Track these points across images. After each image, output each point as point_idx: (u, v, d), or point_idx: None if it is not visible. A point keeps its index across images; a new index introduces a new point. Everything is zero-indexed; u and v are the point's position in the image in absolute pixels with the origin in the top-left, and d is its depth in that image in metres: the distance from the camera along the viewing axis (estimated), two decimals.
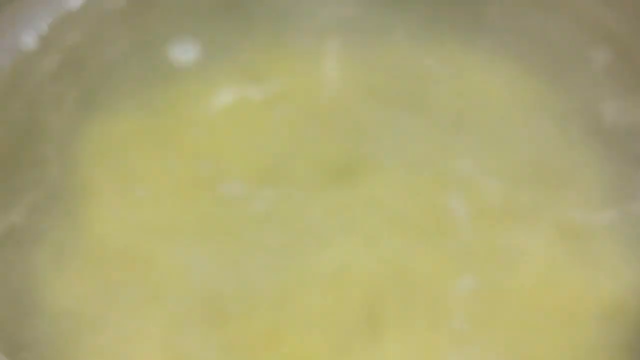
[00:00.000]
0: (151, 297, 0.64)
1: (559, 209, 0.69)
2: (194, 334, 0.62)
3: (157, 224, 0.67)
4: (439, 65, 0.76)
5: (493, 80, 0.75)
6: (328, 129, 0.73)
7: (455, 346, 0.62)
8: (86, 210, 0.68)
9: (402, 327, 0.63)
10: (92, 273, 0.64)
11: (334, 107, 0.74)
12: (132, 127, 0.73)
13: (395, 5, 0.80)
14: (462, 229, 0.68)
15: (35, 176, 0.69)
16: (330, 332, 0.62)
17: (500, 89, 0.75)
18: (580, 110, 0.74)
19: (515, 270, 0.66)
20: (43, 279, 0.64)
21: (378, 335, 0.62)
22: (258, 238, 0.67)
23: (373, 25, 0.79)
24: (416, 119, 0.73)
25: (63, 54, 0.77)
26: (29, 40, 0.77)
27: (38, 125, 0.73)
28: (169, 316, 0.63)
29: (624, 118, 0.73)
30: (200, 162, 0.71)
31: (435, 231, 0.68)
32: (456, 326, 0.63)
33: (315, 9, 0.80)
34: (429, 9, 0.79)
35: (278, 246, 0.66)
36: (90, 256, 0.65)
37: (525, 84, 0.75)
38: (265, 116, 0.74)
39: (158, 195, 0.69)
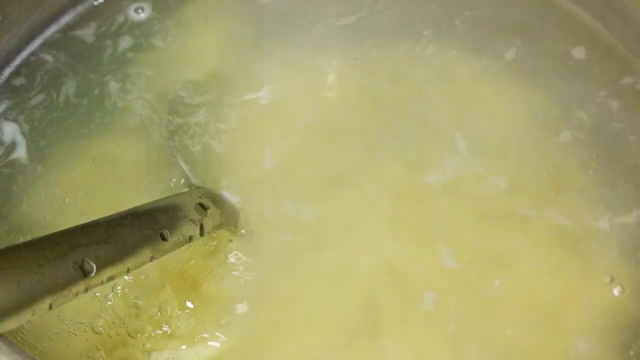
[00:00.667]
0: None
1: (554, 214, 0.69)
2: None
3: None
4: (434, 72, 0.77)
5: (486, 88, 0.76)
6: (328, 134, 0.73)
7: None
8: None
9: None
10: None
11: (334, 112, 0.75)
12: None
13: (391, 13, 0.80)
14: (457, 230, 0.68)
15: None
16: None
17: (492, 95, 0.75)
18: (570, 111, 0.74)
19: (510, 272, 0.66)
20: None
21: None
22: None
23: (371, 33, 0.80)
24: (412, 125, 0.74)
25: None
26: None
27: None
28: None
29: (608, 118, 0.74)
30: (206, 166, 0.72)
31: (430, 232, 0.68)
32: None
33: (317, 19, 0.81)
34: (421, 18, 0.80)
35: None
36: None
37: (516, 90, 0.76)
38: (268, 122, 0.74)
39: None
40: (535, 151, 0.72)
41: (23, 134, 0.72)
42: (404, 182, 0.71)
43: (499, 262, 0.67)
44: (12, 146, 0.72)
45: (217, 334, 0.63)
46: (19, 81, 0.76)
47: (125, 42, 0.78)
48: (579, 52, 0.77)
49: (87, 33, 0.79)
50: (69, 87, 0.75)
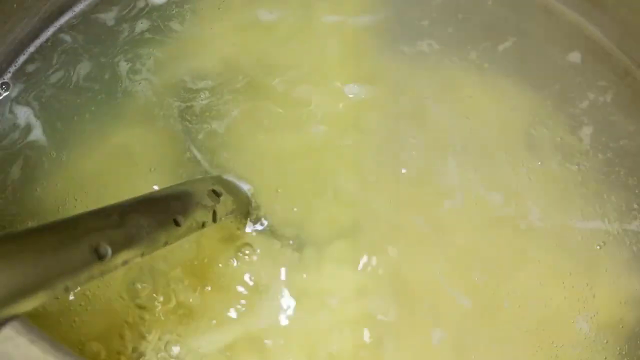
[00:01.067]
0: None
1: (556, 222, 0.69)
2: None
3: None
4: (435, 82, 0.77)
5: (488, 96, 0.76)
6: (335, 130, 0.74)
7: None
8: None
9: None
10: None
11: (341, 110, 0.75)
12: None
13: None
14: (461, 236, 0.69)
15: None
16: None
17: (491, 103, 0.76)
18: (568, 117, 0.75)
19: (512, 280, 0.67)
20: None
21: None
22: None
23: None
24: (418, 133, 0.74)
25: None
26: None
27: None
28: None
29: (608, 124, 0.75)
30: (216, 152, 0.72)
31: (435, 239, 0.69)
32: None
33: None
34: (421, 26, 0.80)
35: None
36: None
37: (518, 97, 0.76)
38: (276, 111, 0.74)
39: None
40: (535, 158, 0.72)
41: (37, 117, 0.72)
42: (408, 191, 0.71)
43: (501, 270, 0.67)
44: (27, 129, 0.72)
45: (229, 320, 0.64)
46: (35, 65, 0.75)
47: (142, 25, 0.78)
48: (575, 57, 0.78)
49: (109, 17, 0.79)
50: (82, 68, 0.75)
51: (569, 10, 0.81)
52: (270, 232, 0.68)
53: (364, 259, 0.67)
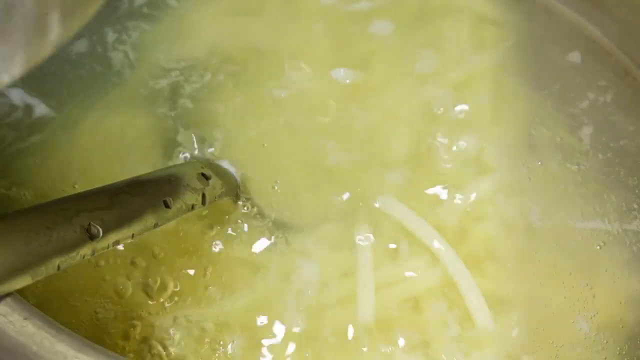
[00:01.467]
0: None
1: (555, 220, 0.69)
2: None
3: None
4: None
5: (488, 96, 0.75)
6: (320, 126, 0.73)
7: None
8: None
9: None
10: None
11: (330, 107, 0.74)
12: None
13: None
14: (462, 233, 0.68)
15: None
16: None
17: (495, 103, 0.75)
18: (568, 117, 0.74)
19: (514, 277, 0.66)
20: None
21: None
22: None
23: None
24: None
25: None
26: None
27: None
28: None
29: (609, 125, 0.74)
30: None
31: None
32: None
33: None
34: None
35: None
36: None
37: (518, 97, 0.76)
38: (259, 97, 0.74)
39: None
40: (535, 158, 0.72)
41: (31, 95, 0.71)
42: (403, 189, 0.70)
43: (503, 268, 0.66)
44: (27, 109, 0.71)
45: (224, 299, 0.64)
46: None
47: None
48: (575, 57, 0.78)
49: None
50: (77, 44, 0.74)
51: (569, 10, 0.80)
52: (258, 213, 0.68)
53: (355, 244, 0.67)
